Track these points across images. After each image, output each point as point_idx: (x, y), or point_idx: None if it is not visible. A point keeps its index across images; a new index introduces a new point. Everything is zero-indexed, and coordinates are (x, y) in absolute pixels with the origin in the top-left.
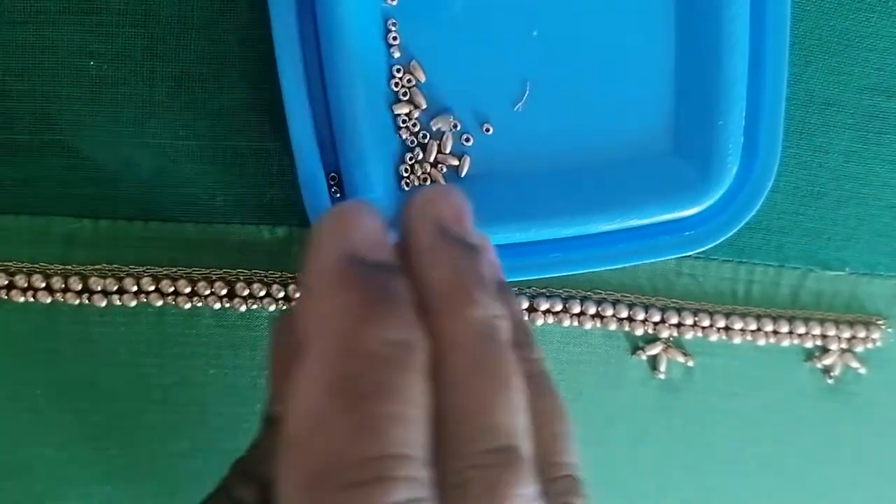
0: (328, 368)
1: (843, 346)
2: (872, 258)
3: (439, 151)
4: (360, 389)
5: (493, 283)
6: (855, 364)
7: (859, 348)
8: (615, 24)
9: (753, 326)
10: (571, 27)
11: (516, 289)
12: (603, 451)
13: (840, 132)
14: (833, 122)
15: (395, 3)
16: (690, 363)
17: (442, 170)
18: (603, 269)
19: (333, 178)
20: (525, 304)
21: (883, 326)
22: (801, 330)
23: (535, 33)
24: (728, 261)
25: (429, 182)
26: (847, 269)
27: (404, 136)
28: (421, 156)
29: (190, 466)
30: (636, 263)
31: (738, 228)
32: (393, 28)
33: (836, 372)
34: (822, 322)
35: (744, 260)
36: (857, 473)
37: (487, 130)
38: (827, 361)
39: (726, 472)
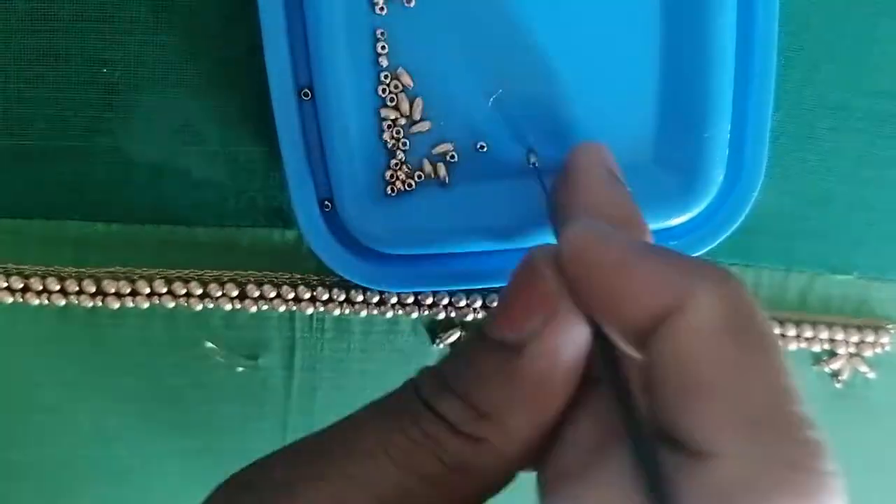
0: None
1: (852, 350)
2: (882, 262)
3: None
4: None
5: None
6: (864, 368)
7: (868, 353)
8: (602, 35)
9: None
10: (558, 38)
11: None
12: None
13: (850, 136)
14: (843, 126)
15: (384, 12)
16: None
17: (428, 175)
18: None
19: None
20: None
21: (892, 331)
22: (809, 334)
23: (522, 45)
24: (735, 264)
25: (413, 187)
26: (856, 273)
27: (390, 142)
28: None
29: (200, 466)
30: None
31: (721, 240)
32: (382, 37)
33: (845, 376)
34: (830, 326)
35: (751, 263)
36: (865, 478)
37: (482, 148)
38: (835, 365)
39: None
